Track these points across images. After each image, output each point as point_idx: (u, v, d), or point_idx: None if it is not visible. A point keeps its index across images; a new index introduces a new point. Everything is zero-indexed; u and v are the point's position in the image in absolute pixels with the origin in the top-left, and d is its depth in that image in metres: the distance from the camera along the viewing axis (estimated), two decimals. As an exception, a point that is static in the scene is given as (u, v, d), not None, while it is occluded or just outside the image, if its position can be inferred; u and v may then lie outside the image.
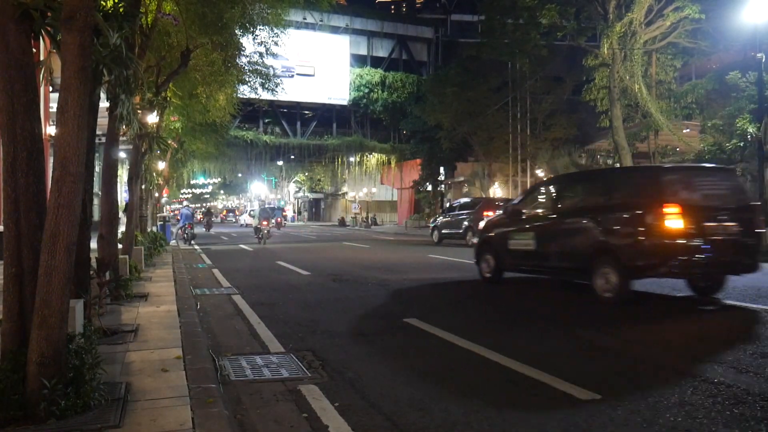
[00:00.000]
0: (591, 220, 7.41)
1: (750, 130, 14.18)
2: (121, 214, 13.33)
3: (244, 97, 19.57)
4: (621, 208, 7.13)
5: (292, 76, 40.18)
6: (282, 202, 68.87)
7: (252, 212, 40.38)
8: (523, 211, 8.86)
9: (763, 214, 8.09)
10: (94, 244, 6.35)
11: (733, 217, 6.88)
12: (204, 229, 35.86)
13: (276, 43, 14.28)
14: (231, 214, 75.50)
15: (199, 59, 12.05)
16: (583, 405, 3.48)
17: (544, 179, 9.29)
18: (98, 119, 5.72)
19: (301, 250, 17.79)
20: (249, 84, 16.38)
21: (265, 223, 22.67)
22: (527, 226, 8.58)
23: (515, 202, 9.79)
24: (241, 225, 47.67)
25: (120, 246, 8.70)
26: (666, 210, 6.55)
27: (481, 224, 10.74)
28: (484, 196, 37.35)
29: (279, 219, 40.39)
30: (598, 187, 8.05)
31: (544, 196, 8.83)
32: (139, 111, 8.58)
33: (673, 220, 6.50)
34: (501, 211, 10.06)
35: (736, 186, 7.43)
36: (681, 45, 20.26)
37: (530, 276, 9.15)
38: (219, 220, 72.66)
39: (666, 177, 7.19)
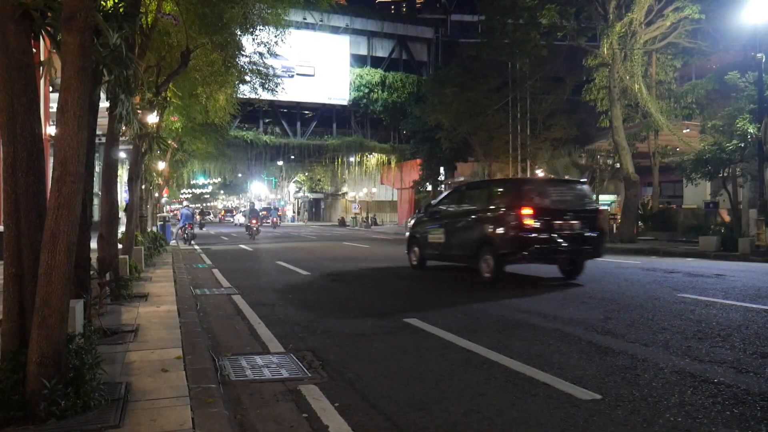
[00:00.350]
0: (478, 219, 9.71)
1: (750, 130, 14.16)
2: (121, 214, 13.32)
3: (244, 97, 19.58)
4: (496, 210, 9.39)
5: (292, 76, 40.18)
6: (282, 203, 69.02)
7: (244, 212, 44.08)
8: (438, 211, 11.13)
9: (605, 216, 10.47)
10: (94, 244, 6.35)
11: (578, 217, 9.10)
12: (197, 228, 36.08)
13: (277, 44, 14.30)
14: (229, 214, 76.09)
15: (199, 59, 12.04)
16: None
17: (454, 186, 12.91)
18: (98, 119, 5.72)
19: (301, 250, 17.78)
20: (249, 84, 16.39)
21: (254, 221, 26.48)
22: (440, 224, 10.81)
23: (433, 205, 11.85)
24: (236, 225, 49.44)
25: (120, 246, 8.70)
26: (523, 211, 8.77)
27: (411, 222, 12.75)
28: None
29: (275, 219, 43.58)
30: (484, 194, 10.29)
31: (452, 200, 11.04)
32: (139, 111, 8.57)
33: (528, 218, 8.75)
34: (423, 212, 12.31)
35: (582, 194, 9.74)
36: (681, 45, 20.26)
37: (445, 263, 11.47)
38: (218, 219, 73.76)
39: (525, 187, 9.60)
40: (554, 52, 27.34)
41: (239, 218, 50.49)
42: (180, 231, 23.00)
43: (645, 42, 18.97)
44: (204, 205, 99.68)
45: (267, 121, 44.32)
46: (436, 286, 9.15)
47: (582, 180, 11.91)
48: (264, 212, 47.22)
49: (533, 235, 8.76)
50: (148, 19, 8.81)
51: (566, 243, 8.98)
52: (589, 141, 30.66)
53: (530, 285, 9.27)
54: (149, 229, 17.92)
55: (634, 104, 21.05)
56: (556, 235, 8.88)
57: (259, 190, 73.86)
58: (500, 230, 9.10)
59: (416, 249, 11.63)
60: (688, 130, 21.83)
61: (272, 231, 36.06)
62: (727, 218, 19.21)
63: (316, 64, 42.88)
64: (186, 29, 9.69)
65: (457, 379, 4.10)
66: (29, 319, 3.12)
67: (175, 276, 10.03)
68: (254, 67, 15.56)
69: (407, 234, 12.96)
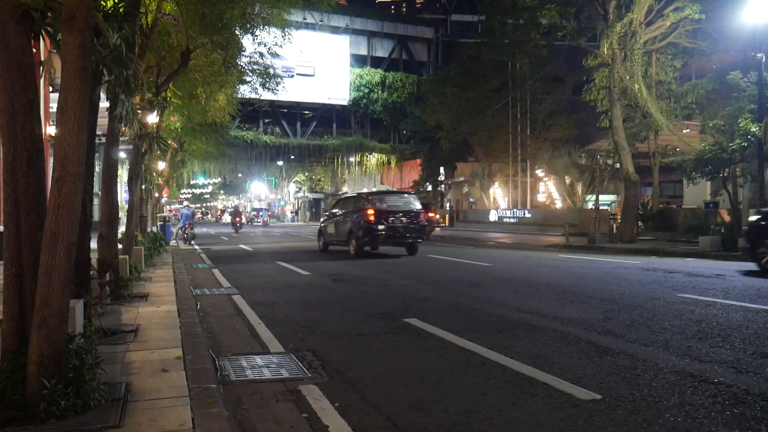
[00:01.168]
0: (348, 218, 15.44)
1: (753, 129, 14.14)
2: (121, 214, 13.30)
3: (244, 97, 19.59)
4: (356, 212, 15.00)
5: (292, 76, 40.18)
6: (282, 203, 69.36)
7: (230, 212, 53.34)
8: (332, 213, 17.00)
9: (425, 214, 16.46)
10: (94, 244, 6.35)
11: (406, 215, 14.69)
12: None
13: (278, 45, 14.31)
14: (225, 213, 79.38)
15: (199, 59, 12.04)
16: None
17: (340, 197, 19.99)
18: (98, 119, 5.71)
19: (300, 250, 17.78)
20: (249, 84, 16.39)
21: (237, 219, 34.53)
22: (332, 221, 16.63)
23: (329, 209, 18.10)
24: (224, 223, 54.86)
25: (120, 246, 8.69)
26: (368, 212, 14.38)
27: (321, 220, 18.38)
28: (484, 196, 37.40)
29: (265, 219, 50.56)
30: (352, 202, 16.12)
31: (338, 206, 17.05)
32: (139, 111, 8.56)
33: (372, 216, 14.30)
34: (325, 214, 18.55)
35: (410, 200, 15.58)
36: (681, 45, 20.25)
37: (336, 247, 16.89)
38: (214, 219, 77.69)
39: (370, 197, 15.53)
40: (554, 52, 27.34)
41: (226, 217, 58.42)
42: (180, 231, 23.00)
43: (645, 42, 18.96)
44: (204, 205, 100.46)
45: (267, 121, 44.32)
46: (436, 286, 9.14)
47: (410, 192, 19.94)
48: (254, 212, 56.28)
49: (375, 227, 14.29)
50: (148, 19, 8.81)
51: (398, 232, 14.57)
52: (589, 141, 30.65)
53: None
54: (149, 229, 17.92)
55: (634, 104, 21.04)
56: (391, 227, 14.41)
57: (259, 190, 74.11)
58: (357, 224, 14.74)
59: (322, 238, 17.47)
60: (688, 130, 21.82)
61: (272, 231, 36.23)
62: (727, 218, 19.20)
63: (316, 64, 42.89)
64: (186, 29, 9.69)
65: (457, 379, 4.10)
66: (29, 319, 3.12)
67: (175, 276, 10.03)
68: (254, 67, 15.57)
69: (318, 228, 18.55)
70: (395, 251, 15.83)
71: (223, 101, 15.50)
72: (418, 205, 15.29)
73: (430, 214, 26.23)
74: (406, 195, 16.58)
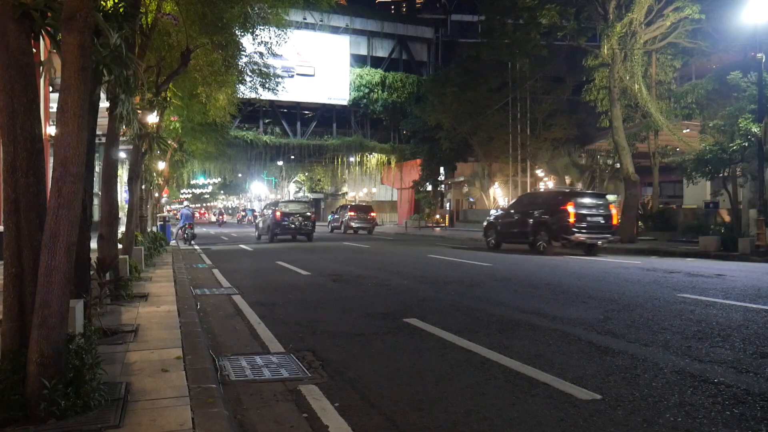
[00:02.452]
0: (267, 217, 24.48)
1: (754, 129, 14.14)
2: (121, 214, 13.29)
3: (245, 97, 19.61)
4: (271, 213, 23.93)
5: (292, 76, 40.15)
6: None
7: (215, 212, 66.85)
8: (263, 213, 27.03)
9: (316, 215, 27.30)
10: (94, 244, 6.34)
11: (302, 217, 23.43)
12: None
13: (278, 44, 14.33)
14: (210, 214, 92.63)
15: (199, 59, 12.05)
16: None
17: (271, 202, 29.92)
18: (98, 119, 5.72)
19: (301, 251, 17.79)
20: (249, 84, 16.40)
21: (220, 217, 50.62)
22: (260, 219, 26.53)
23: (262, 210, 28.86)
24: (212, 222, 65.21)
25: (120, 246, 8.69)
26: (276, 214, 23.33)
27: (257, 219, 28.59)
28: (484, 196, 37.37)
29: (250, 218, 58.42)
30: (270, 206, 25.81)
31: (265, 209, 27.09)
32: (139, 111, 8.56)
33: (280, 216, 23.19)
34: (265, 213, 26.98)
35: (306, 207, 24.83)
36: (681, 45, 20.27)
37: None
38: (207, 220, 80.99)
39: (279, 203, 25.13)
40: (554, 52, 27.34)
41: (212, 216, 72.89)
42: (180, 231, 23.00)
43: (645, 42, 18.97)
44: (204, 205, 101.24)
45: (267, 121, 44.29)
46: (436, 286, 9.14)
47: (306, 200, 31.82)
48: (243, 212, 68.82)
49: (281, 223, 22.60)
50: (148, 19, 8.82)
51: (296, 227, 22.93)
52: (589, 141, 30.64)
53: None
54: (149, 229, 17.92)
55: (634, 104, 21.06)
56: (292, 223, 22.76)
57: (259, 190, 74.27)
58: (272, 221, 22.96)
59: (257, 231, 26.14)
60: (688, 130, 21.82)
61: (250, 227, 37.65)
62: (727, 218, 19.21)
63: (316, 64, 42.85)
64: (186, 29, 9.69)
65: (457, 379, 4.10)
66: (29, 319, 3.11)
67: (175, 276, 10.02)
68: (254, 67, 15.58)
69: (254, 223, 27.37)
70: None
71: (223, 101, 15.51)
72: (309, 211, 24.05)
73: (372, 214, 32.61)
74: (303, 202, 26.90)
